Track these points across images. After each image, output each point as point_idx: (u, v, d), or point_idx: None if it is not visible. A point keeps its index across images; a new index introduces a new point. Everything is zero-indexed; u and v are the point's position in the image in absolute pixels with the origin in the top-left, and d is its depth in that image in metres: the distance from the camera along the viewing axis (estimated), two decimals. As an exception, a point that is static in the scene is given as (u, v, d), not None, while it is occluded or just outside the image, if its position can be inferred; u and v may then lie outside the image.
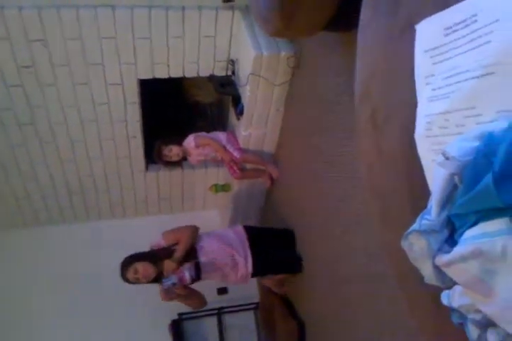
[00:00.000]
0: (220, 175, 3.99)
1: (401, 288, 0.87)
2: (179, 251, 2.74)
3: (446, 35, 0.53)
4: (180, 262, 2.72)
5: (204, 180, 4.06)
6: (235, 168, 3.39)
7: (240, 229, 3.10)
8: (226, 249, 2.90)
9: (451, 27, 0.51)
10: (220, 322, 3.72)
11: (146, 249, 3.93)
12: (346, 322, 2.51)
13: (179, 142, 3.33)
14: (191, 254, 2.79)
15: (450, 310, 0.58)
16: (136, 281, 2.68)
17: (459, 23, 0.50)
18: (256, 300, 3.80)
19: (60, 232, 4.04)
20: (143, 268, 2.66)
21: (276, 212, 3.71)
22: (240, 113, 3.21)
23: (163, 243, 2.85)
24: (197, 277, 2.74)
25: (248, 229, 3.10)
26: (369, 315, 2.22)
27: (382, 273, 1.93)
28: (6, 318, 3.58)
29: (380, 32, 0.73)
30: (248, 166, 3.52)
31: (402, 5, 0.66)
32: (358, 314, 2.34)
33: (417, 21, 0.61)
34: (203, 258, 2.80)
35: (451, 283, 0.53)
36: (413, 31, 0.61)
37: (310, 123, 2.78)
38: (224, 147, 3.34)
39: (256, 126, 3.24)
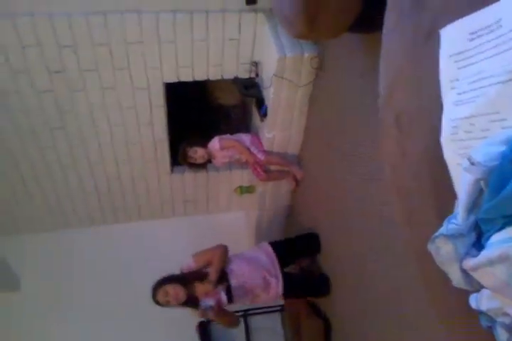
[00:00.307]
0: (245, 176, 4.01)
1: (427, 289, 0.87)
2: (213, 274, 2.75)
3: (471, 39, 0.53)
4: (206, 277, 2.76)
5: (229, 182, 4.09)
6: (260, 169, 3.40)
7: (267, 247, 3.11)
8: (257, 271, 2.91)
9: (476, 32, 0.52)
10: (246, 325, 3.73)
11: (172, 249, 4.02)
12: (372, 321, 2.50)
13: (204, 144, 3.36)
14: (222, 277, 2.80)
15: (478, 313, 0.58)
16: (167, 304, 2.69)
17: (484, 28, 0.50)
18: (281, 302, 3.81)
19: (88, 235, 4.13)
20: (173, 290, 2.67)
21: (301, 213, 3.72)
22: (263, 115, 3.22)
23: (193, 265, 2.86)
24: (229, 301, 2.76)
25: (275, 246, 3.11)
26: (393, 313, 2.20)
27: (408, 274, 1.92)
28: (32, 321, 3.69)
29: (405, 36, 0.74)
30: (272, 168, 3.53)
31: (426, 9, 0.67)
32: (384, 313, 2.33)
33: (442, 26, 0.61)
34: (233, 282, 2.81)
35: (479, 287, 0.53)
36: (438, 36, 0.62)
37: (333, 124, 2.78)
38: (248, 149, 3.36)
39: (280, 127, 3.25)
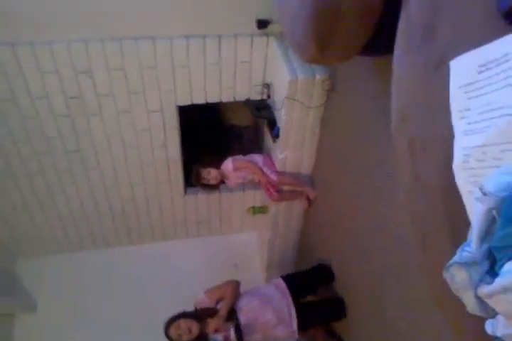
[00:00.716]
0: (258, 197, 4.03)
1: (441, 313, 0.87)
2: (223, 309, 2.74)
3: (480, 72, 0.55)
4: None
5: (242, 203, 4.11)
6: (272, 190, 3.41)
7: (280, 283, 3.08)
8: (269, 308, 2.87)
9: (485, 65, 0.54)
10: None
11: (186, 270, 4.03)
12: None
13: (217, 165, 3.40)
14: (231, 314, 2.78)
15: (494, 338, 0.58)
16: (179, 339, 2.67)
17: (492, 62, 0.52)
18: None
19: (103, 256, 4.16)
20: (185, 324, 2.67)
21: (314, 233, 3.70)
22: (275, 136, 3.25)
23: (207, 301, 2.85)
24: (239, 339, 2.72)
25: (288, 280, 3.09)
26: (410, 334, 2.17)
27: (423, 295, 1.89)
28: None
29: (416, 65, 0.76)
30: (285, 188, 3.54)
31: (435, 40, 0.69)
32: (401, 334, 2.29)
33: (451, 56, 0.63)
34: (242, 319, 2.77)
35: (493, 313, 0.54)
36: (447, 66, 0.64)
37: (345, 146, 2.79)
38: (261, 169, 3.38)
39: (292, 148, 3.27)
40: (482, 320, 0.61)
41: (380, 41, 1.61)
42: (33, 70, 2.89)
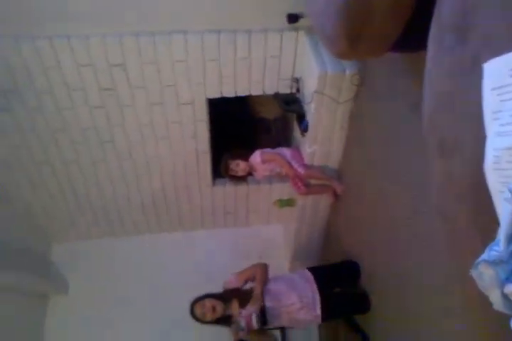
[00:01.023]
0: (285, 190, 4.06)
1: (469, 312, 0.88)
2: (258, 287, 2.82)
3: (512, 76, 0.56)
4: (245, 298, 2.80)
5: (269, 195, 4.15)
6: (300, 183, 3.43)
7: (307, 273, 3.11)
8: (294, 292, 2.91)
9: (517, 69, 0.55)
10: (283, 338, 3.74)
11: (212, 259, 4.11)
12: (410, 337, 2.46)
13: (246, 157, 3.43)
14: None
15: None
16: (203, 317, 2.76)
17: (524, 66, 0.53)
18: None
19: (133, 243, 4.29)
20: (210, 303, 2.75)
21: (341, 227, 3.71)
22: (304, 129, 3.27)
23: (234, 282, 2.93)
24: (263, 323, 2.76)
25: (313, 271, 3.12)
26: (432, 331, 2.17)
27: (451, 296, 1.89)
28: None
29: (448, 66, 0.77)
30: (313, 182, 3.56)
31: (468, 43, 0.70)
32: (423, 331, 2.29)
33: (482, 59, 0.64)
34: (268, 303, 2.82)
35: (520, 311, 0.56)
36: (479, 68, 0.65)
37: (374, 141, 2.78)
38: (289, 163, 3.41)
39: (320, 142, 3.28)
40: (507, 320, 0.63)
41: (410, 38, 1.60)
42: (70, 63, 2.99)
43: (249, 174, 3.52)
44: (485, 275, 0.55)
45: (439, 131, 0.85)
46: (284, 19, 2.95)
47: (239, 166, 3.39)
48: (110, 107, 3.29)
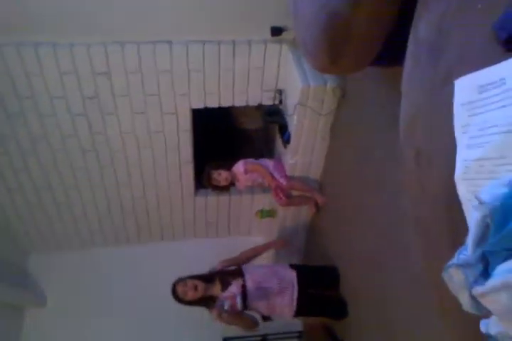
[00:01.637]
0: (267, 201, 4.08)
1: (443, 316, 0.92)
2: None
3: (480, 92, 0.60)
4: (227, 280, 2.87)
5: (250, 206, 4.16)
6: (281, 194, 3.47)
7: (286, 265, 3.17)
8: (273, 276, 2.98)
9: (483, 86, 0.59)
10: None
11: (191, 270, 4.08)
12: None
13: (228, 167, 3.46)
14: (238, 272, 2.94)
15: (487, 337, 0.63)
16: (184, 296, 2.81)
17: (491, 84, 0.58)
18: (300, 328, 3.80)
19: (111, 254, 4.23)
20: (192, 282, 2.82)
21: (321, 239, 3.74)
22: (286, 141, 3.31)
23: (220, 266, 3.05)
24: (244, 306, 2.79)
25: (295, 267, 3.16)
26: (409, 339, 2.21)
27: (426, 300, 1.93)
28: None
29: (422, 81, 0.82)
30: (294, 193, 3.60)
31: (442, 59, 0.75)
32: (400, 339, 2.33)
33: (455, 76, 0.69)
34: (249, 283, 2.87)
35: (487, 312, 0.59)
36: (452, 85, 0.69)
37: (354, 153, 2.84)
38: (271, 174, 3.44)
39: (302, 154, 3.33)
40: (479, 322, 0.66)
41: (390, 53, 1.66)
42: (52, 70, 2.98)
43: (232, 184, 3.55)
44: (455, 278, 0.59)
45: (415, 143, 0.89)
46: (268, 32, 3.01)
47: (221, 176, 3.42)
48: (92, 115, 3.28)
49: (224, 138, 4.21)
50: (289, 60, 3.12)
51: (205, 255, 4.31)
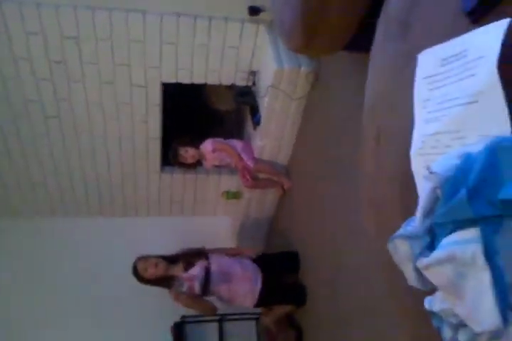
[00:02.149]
0: (233, 182, 4.07)
1: (393, 297, 0.93)
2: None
3: (443, 65, 0.59)
4: (191, 261, 2.87)
5: (217, 186, 4.14)
6: (248, 176, 3.45)
7: (248, 259, 3.22)
8: (236, 263, 3.03)
9: (446, 58, 0.58)
10: (221, 329, 3.74)
11: (152, 248, 4.06)
12: (346, 331, 2.54)
13: (196, 145, 3.41)
14: (202, 254, 2.96)
15: (431, 314, 0.63)
16: (144, 273, 2.81)
17: (453, 56, 0.57)
18: (258, 310, 3.83)
19: (70, 224, 4.12)
20: (153, 259, 2.83)
21: (284, 223, 3.77)
22: (256, 123, 3.29)
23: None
24: (205, 289, 2.82)
25: (258, 259, 3.23)
26: (367, 324, 2.26)
27: (383, 285, 1.98)
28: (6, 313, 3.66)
29: (388, 57, 0.81)
30: (261, 176, 3.59)
31: (409, 35, 0.74)
32: (355, 326, 2.38)
33: (420, 51, 0.68)
34: (214, 267, 2.90)
35: (431, 286, 0.59)
36: (416, 60, 0.68)
37: (324, 138, 2.85)
38: (239, 155, 3.42)
39: (272, 137, 3.32)
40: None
41: (364, 38, 1.65)
42: (18, 30, 2.84)
43: (199, 163, 3.51)
44: (400, 249, 0.58)
45: (376, 121, 0.88)
46: (246, 11, 2.96)
47: (188, 153, 3.37)
48: (57, 81, 3.15)
49: (194, 117, 4.15)
50: (265, 41, 3.08)
51: (168, 233, 4.29)
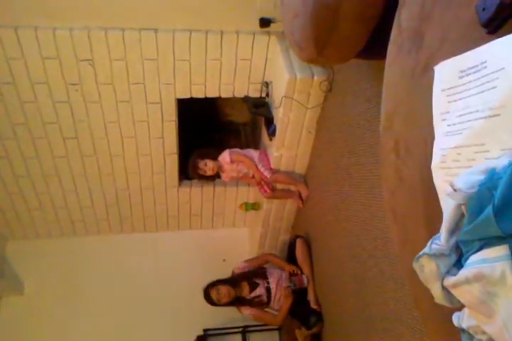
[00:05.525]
0: (251, 193, 4.06)
1: (418, 309, 0.90)
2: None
3: (461, 77, 0.58)
4: (253, 281, 3.33)
5: (235, 198, 4.14)
6: (266, 187, 3.45)
7: None
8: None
9: (464, 70, 0.57)
10: (244, 340, 3.73)
11: (175, 262, 4.11)
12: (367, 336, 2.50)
13: (215, 157, 3.42)
14: (262, 275, 3.39)
15: (460, 330, 0.62)
16: (219, 302, 3.19)
17: (472, 68, 0.55)
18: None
19: (94, 243, 4.19)
20: (224, 289, 3.19)
21: (305, 232, 3.73)
22: (272, 134, 3.29)
23: (242, 268, 3.46)
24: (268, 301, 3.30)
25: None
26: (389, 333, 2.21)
27: (405, 294, 1.93)
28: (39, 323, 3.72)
29: (404, 69, 0.79)
30: (278, 186, 3.58)
31: (423, 47, 0.72)
32: (378, 333, 2.33)
33: (436, 62, 0.67)
34: (271, 282, 3.33)
35: (458, 304, 0.57)
36: (433, 71, 0.67)
37: (340, 147, 2.83)
38: (256, 165, 3.41)
39: (287, 147, 3.31)
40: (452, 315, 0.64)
41: (377, 45, 1.64)
42: (34, 55, 2.91)
43: (217, 174, 3.51)
44: (426, 268, 0.57)
45: (394, 133, 0.87)
46: (257, 23, 2.98)
47: (207, 165, 3.37)
48: (75, 102, 3.21)
49: (210, 131, 4.18)
50: (276, 51, 3.08)
51: (188, 247, 4.31)
